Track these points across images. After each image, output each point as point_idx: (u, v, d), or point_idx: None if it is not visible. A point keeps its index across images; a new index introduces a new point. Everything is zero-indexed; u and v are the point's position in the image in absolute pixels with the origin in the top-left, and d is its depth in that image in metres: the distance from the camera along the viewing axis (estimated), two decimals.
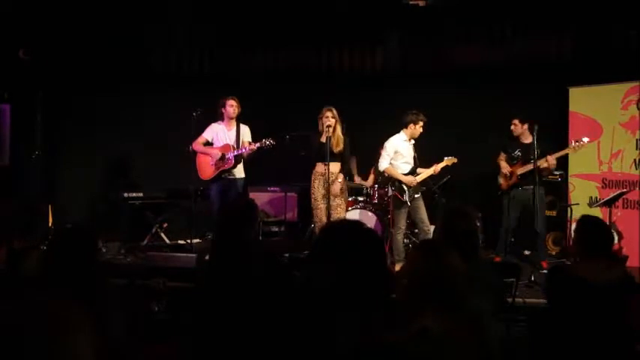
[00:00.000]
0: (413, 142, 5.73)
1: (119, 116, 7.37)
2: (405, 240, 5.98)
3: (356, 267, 1.38)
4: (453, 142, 6.70)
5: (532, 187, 5.45)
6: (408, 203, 5.57)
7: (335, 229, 1.57)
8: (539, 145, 5.42)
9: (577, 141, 5.62)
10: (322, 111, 5.48)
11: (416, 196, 5.63)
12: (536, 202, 5.37)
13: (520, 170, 5.76)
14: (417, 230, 6.09)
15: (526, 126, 5.83)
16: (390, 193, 5.71)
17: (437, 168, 5.77)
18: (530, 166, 5.53)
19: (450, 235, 2.75)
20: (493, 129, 6.46)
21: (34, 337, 0.95)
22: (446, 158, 5.80)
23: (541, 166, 5.52)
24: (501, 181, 6.01)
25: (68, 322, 1.00)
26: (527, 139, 5.77)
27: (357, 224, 1.49)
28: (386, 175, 5.85)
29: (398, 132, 5.74)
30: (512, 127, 5.93)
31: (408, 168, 5.69)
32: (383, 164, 5.70)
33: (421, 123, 5.65)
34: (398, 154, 5.67)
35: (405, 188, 5.57)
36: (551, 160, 5.57)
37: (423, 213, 5.63)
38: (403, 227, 5.70)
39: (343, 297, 1.37)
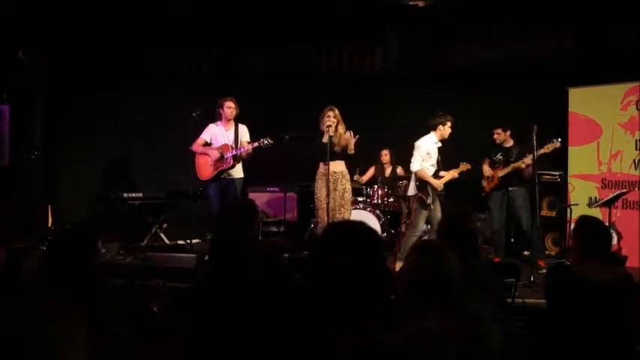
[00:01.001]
0: (440, 144, 5.73)
1: (119, 116, 7.37)
2: None
3: (356, 267, 1.38)
4: (453, 142, 6.69)
5: (516, 188, 5.87)
6: (431, 207, 5.56)
7: (336, 228, 1.57)
8: (519, 145, 5.78)
9: (550, 142, 5.70)
10: (324, 111, 5.47)
11: (435, 198, 5.64)
12: (518, 202, 5.83)
13: (501, 173, 5.97)
14: (424, 233, 6.11)
15: (509, 132, 6.06)
16: (412, 193, 5.70)
17: (455, 173, 5.74)
18: (510, 169, 5.86)
19: (450, 236, 2.76)
20: (493, 129, 6.46)
21: (34, 338, 0.95)
22: (462, 163, 5.81)
23: (520, 167, 5.81)
24: (484, 184, 6.18)
25: (68, 323, 1.00)
26: (509, 143, 6.08)
27: (357, 224, 1.49)
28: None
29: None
30: (496, 136, 6.09)
31: (432, 170, 5.68)
32: (415, 165, 5.63)
33: (449, 123, 5.66)
34: (428, 155, 5.65)
35: (430, 191, 5.56)
36: (527, 161, 5.72)
37: (439, 215, 5.63)
38: (421, 229, 5.70)
39: (343, 297, 1.36)
